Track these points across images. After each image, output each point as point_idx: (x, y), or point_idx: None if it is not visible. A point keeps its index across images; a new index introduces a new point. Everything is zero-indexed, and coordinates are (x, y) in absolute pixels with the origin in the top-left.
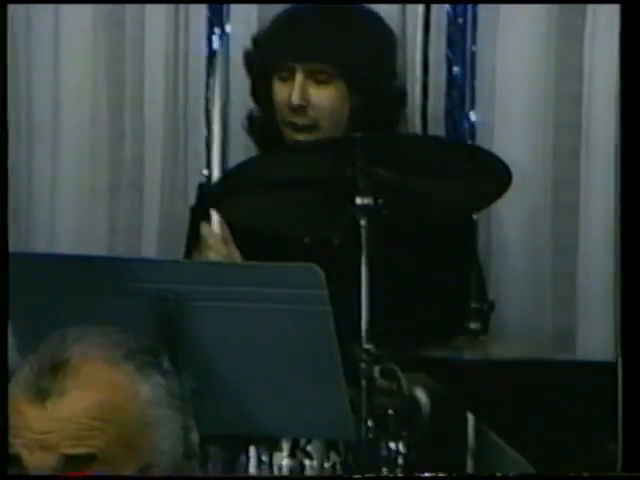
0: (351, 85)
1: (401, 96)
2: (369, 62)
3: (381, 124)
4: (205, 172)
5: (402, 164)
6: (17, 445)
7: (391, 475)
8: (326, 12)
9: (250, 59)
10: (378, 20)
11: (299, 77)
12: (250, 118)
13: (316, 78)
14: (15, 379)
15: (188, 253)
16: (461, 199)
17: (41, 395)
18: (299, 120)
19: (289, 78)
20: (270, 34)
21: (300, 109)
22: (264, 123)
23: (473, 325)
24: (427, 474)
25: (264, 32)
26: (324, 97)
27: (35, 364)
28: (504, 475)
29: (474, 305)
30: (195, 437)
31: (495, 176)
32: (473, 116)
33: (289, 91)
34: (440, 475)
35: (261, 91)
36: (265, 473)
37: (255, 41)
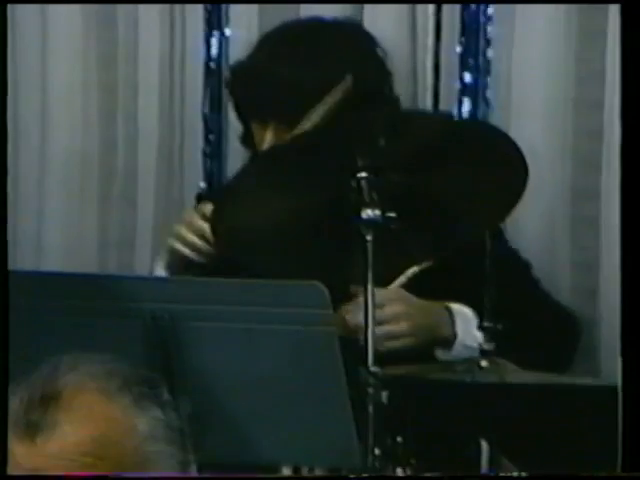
0: None
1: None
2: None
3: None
4: (202, 184)
5: (408, 156)
6: None
7: (391, 475)
8: (298, 47)
9: (230, 90)
10: (357, 44)
11: (271, 129)
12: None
13: (290, 124)
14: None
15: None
16: (477, 205)
17: (31, 430)
18: None
19: (262, 124)
20: (242, 78)
21: None
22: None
23: (486, 346)
24: (427, 474)
25: (239, 69)
26: None
27: (25, 396)
28: (504, 475)
29: (487, 324)
30: (193, 473)
31: (512, 163)
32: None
33: (263, 139)
34: (440, 475)
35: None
36: None
37: (233, 73)
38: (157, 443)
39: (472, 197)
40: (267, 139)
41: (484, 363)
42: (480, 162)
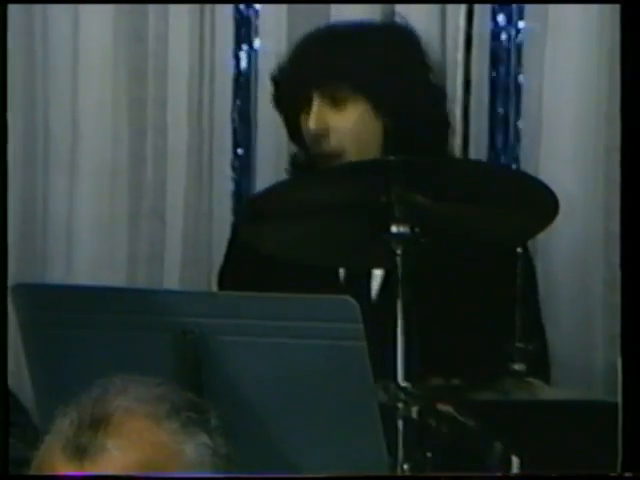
0: (375, 104)
1: (442, 120)
2: (391, 79)
3: (421, 150)
4: (231, 198)
5: (441, 190)
6: None
7: (391, 475)
8: (342, 33)
9: (275, 100)
10: (401, 35)
11: (316, 103)
12: (293, 158)
13: (334, 100)
14: (54, 433)
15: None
16: (504, 229)
17: (79, 452)
18: (323, 148)
19: (310, 108)
20: (285, 68)
21: (321, 136)
22: (304, 163)
23: (517, 366)
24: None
25: (280, 68)
26: (344, 120)
27: (75, 418)
28: (504, 475)
29: (519, 345)
30: None
31: (541, 205)
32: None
33: (308, 121)
34: (440, 475)
35: (293, 130)
36: None
37: (274, 80)
38: (203, 470)
39: (497, 221)
40: (314, 109)
41: (515, 384)
42: (508, 197)
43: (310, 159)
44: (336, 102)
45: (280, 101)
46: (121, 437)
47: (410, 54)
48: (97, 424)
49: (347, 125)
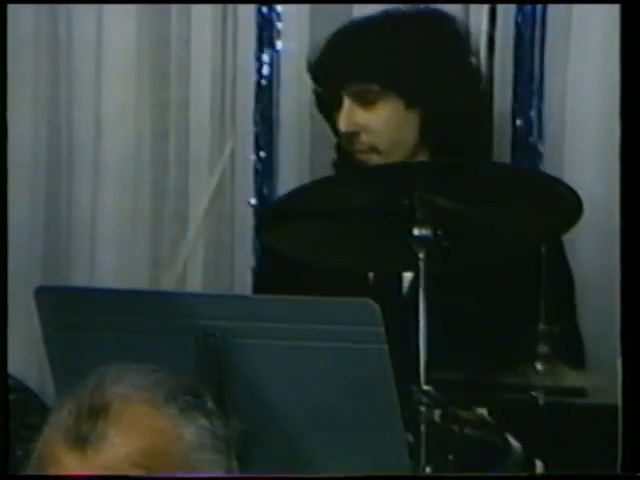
0: (407, 98)
1: (481, 101)
2: (423, 69)
3: (460, 143)
4: (253, 201)
5: (463, 192)
6: None
7: (392, 475)
8: (369, 28)
9: (314, 95)
10: (432, 20)
11: (346, 103)
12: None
13: (364, 100)
14: (53, 424)
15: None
16: (528, 231)
17: (81, 441)
18: (355, 147)
19: (341, 108)
20: (314, 69)
21: (352, 136)
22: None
23: (542, 349)
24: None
25: (310, 69)
26: (375, 119)
27: (73, 408)
28: (504, 475)
29: (543, 327)
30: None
31: (565, 206)
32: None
33: (339, 117)
34: (440, 475)
35: (331, 124)
36: None
37: (310, 74)
38: (204, 452)
39: (520, 223)
40: (344, 110)
41: (540, 366)
42: (531, 199)
43: (344, 157)
44: (366, 101)
45: (316, 101)
46: (121, 424)
47: (443, 38)
48: (96, 412)
49: (378, 123)
